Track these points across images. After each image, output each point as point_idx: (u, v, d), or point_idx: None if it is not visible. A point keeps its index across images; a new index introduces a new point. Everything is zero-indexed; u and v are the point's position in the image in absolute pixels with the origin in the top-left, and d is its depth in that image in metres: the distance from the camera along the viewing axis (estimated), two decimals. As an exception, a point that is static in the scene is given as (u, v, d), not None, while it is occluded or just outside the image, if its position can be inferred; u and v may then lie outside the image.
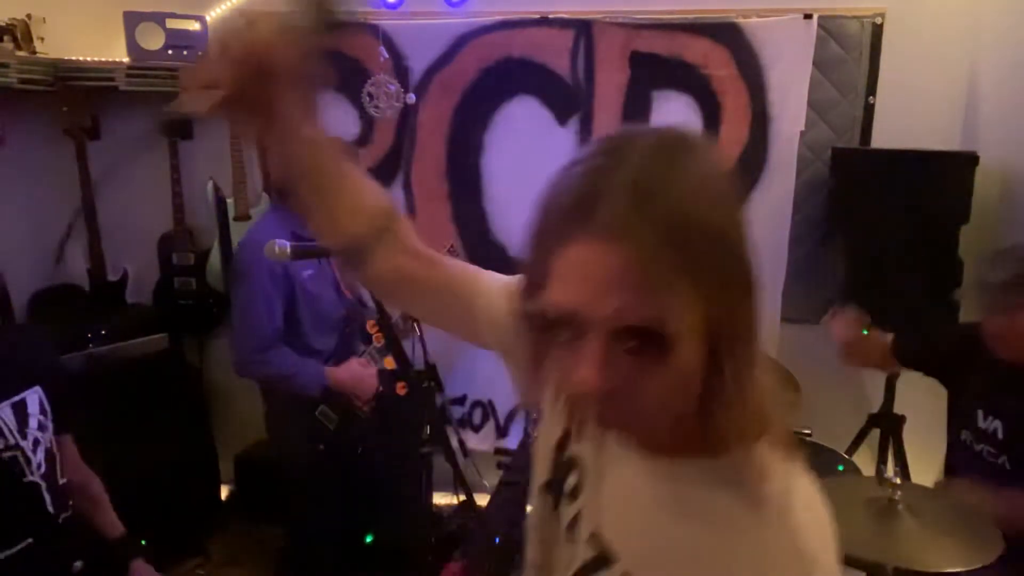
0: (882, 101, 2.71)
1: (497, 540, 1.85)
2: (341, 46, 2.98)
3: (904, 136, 2.61)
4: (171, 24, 2.97)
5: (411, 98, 2.99)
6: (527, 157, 2.93)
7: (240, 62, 0.75)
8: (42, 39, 2.90)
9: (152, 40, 2.96)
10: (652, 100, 2.85)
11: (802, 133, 2.73)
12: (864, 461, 2.51)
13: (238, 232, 2.97)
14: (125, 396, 2.78)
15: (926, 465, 2.43)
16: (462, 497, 1.93)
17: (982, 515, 1.67)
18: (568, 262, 0.60)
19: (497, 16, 2.90)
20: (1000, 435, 1.83)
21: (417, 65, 2.98)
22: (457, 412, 3.17)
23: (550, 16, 2.86)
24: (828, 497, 0.68)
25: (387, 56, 2.96)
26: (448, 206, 3.08)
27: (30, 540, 1.55)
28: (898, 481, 1.71)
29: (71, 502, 1.69)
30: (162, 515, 2.67)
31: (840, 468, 2.23)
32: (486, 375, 3.12)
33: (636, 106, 2.85)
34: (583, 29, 2.85)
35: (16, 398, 1.59)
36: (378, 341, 1.98)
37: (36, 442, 1.59)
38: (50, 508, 1.61)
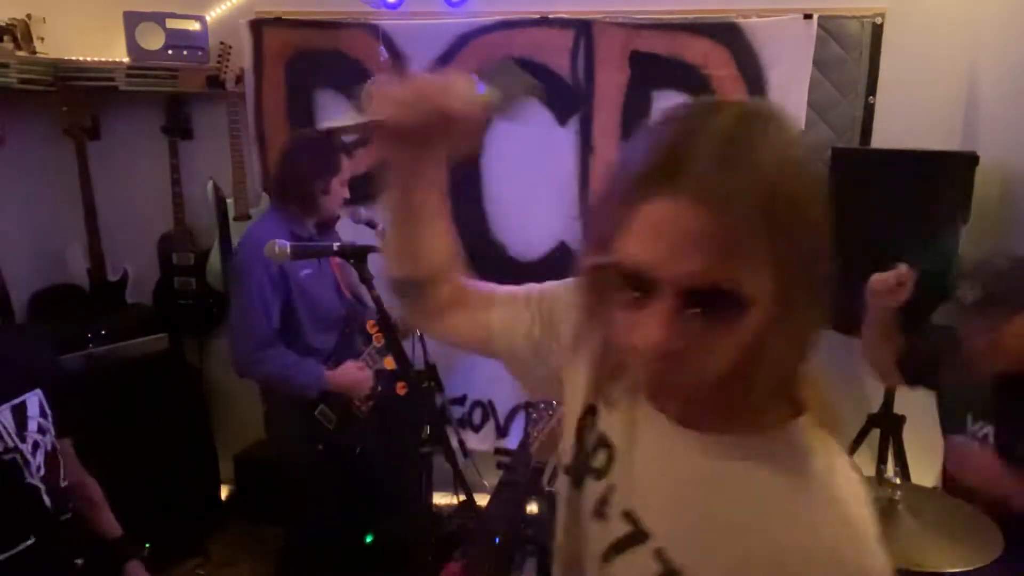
0: (882, 101, 2.71)
1: (497, 540, 1.85)
2: (341, 46, 2.98)
3: (904, 136, 2.61)
4: (171, 24, 2.98)
5: (411, 98, 2.99)
6: (527, 157, 2.93)
7: (431, 107, 0.77)
8: (42, 39, 2.90)
9: (152, 40, 2.97)
10: (652, 100, 2.84)
11: (802, 133, 2.73)
12: (864, 461, 2.51)
13: (238, 232, 2.97)
14: (125, 396, 2.79)
15: (926, 465, 2.43)
16: (462, 497, 1.92)
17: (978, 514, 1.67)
18: (648, 218, 0.59)
19: (497, 16, 2.90)
20: (991, 440, 1.82)
21: (417, 65, 2.98)
22: (457, 412, 3.17)
23: (550, 16, 2.86)
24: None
25: (387, 56, 2.96)
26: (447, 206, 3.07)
27: (30, 541, 1.55)
28: (898, 481, 1.71)
29: (71, 504, 1.68)
30: (162, 515, 2.68)
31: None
32: (486, 375, 3.12)
33: (636, 106, 2.85)
34: (583, 29, 2.85)
35: (16, 400, 1.59)
36: (378, 341, 1.97)
37: (35, 445, 1.59)
38: (50, 510, 1.60)
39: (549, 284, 0.95)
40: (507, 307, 0.95)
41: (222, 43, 2.99)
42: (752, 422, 0.67)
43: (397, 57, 2.96)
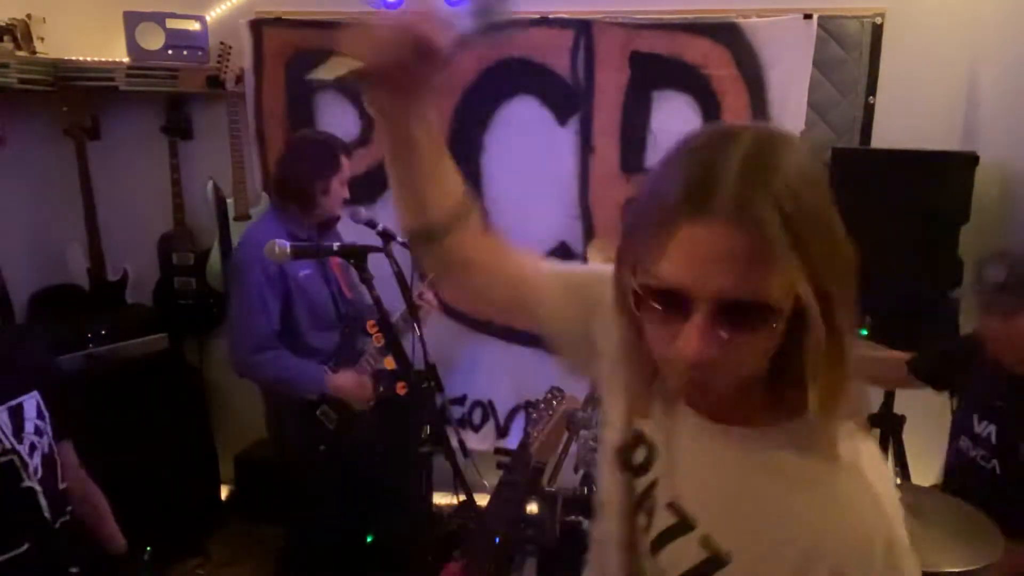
0: (882, 101, 2.71)
1: (497, 540, 1.85)
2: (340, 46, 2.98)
3: (904, 136, 2.61)
4: (171, 24, 2.98)
5: (411, 98, 2.99)
6: (527, 157, 2.93)
7: (406, 42, 0.77)
8: (42, 39, 2.90)
9: (152, 40, 2.97)
10: (652, 100, 2.84)
11: (802, 133, 2.73)
12: (864, 461, 2.50)
13: (238, 232, 2.97)
14: (125, 396, 2.79)
15: (926, 465, 2.44)
16: (462, 497, 1.93)
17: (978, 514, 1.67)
18: (683, 242, 0.65)
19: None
20: (993, 439, 1.82)
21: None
22: (457, 412, 3.17)
23: (550, 16, 2.85)
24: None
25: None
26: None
27: (27, 545, 1.54)
28: (898, 481, 1.71)
29: (70, 508, 1.67)
30: (162, 515, 2.67)
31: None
32: (486, 375, 3.12)
33: (636, 106, 2.85)
34: (583, 29, 2.84)
35: (13, 402, 1.58)
36: (378, 341, 1.97)
37: (32, 447, 1.58)
38: (47, 514, 1.59)
39: (590, 272, 0.97)
40: (551, 289, 0.96)
41: (222, 43, 2.99)
42: (786, 415, 0.73)
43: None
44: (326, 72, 0.78)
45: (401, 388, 1.96)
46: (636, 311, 0.71)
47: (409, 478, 2.55)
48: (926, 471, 2.40)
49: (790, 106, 2.71)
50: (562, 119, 2.92)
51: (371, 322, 1.96)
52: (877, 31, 2.67)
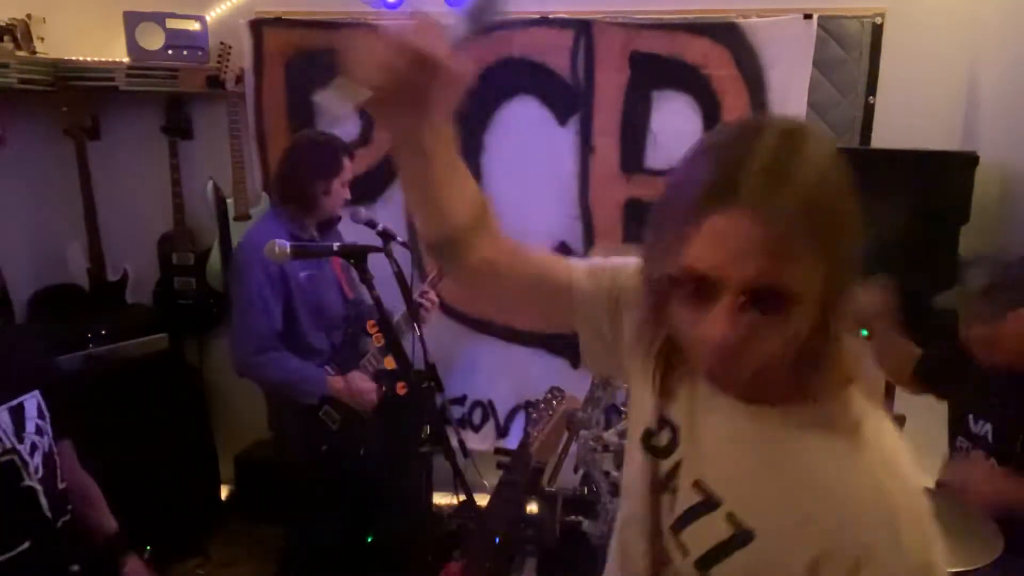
0: (882, 101, 2.71)
1: (497, 540, 1.85)
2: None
3: (904, 136, 2.61)
4: (171, 24, 2.98)
5: (411, 98, 2.99)
6: (527, 157, 2.93)
7: (408, 58, 0.77)
8: (42, 39, 2.90)
9: (152, 40, 2.97)
10: (652, 100, 2.85)
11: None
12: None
13: (238, 232, 2.97)
14: (125, 396, 2.79)
15: (926, 465, 2.43)
16: (462, 497, 1.93)
17: (978, 514, 1.67)
18: (710, 231, 0.67)
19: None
20: (990, 438, 1.83)
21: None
22: (457, 412, 3.17)
23: (550, 16, 2.86)
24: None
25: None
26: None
27: (27, 544, 1.54)
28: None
29: (70, 507, 1.67)
30: (162, 515, 2.67)
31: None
32: (486, 375, 3.12)
33: (636, 106, 2.85)
34: (583, 29, 2.84)
35: (14, 402, 1.58)
36: (378, 341, 1.97)
37: (33, 447, 1.58)
38: (48, 513, 1.59)
39: (614, 262, 0.98)
40: (576, 279, 0.97)
41: (222, 43, 2.99)
42: (808, 395, 0.76)
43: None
44: (334, 98, 0.79)
45: (401, 388, 1.96)
46: (665, 296, 0.73)
47: (409, 478, 2.56)
48: (926, 471, 2.40)
49: (790, 106, 2.71)
50: (562, 119, 2.93)
51: (371, 322, 1.97)
52: (877, 31, 2.67)
